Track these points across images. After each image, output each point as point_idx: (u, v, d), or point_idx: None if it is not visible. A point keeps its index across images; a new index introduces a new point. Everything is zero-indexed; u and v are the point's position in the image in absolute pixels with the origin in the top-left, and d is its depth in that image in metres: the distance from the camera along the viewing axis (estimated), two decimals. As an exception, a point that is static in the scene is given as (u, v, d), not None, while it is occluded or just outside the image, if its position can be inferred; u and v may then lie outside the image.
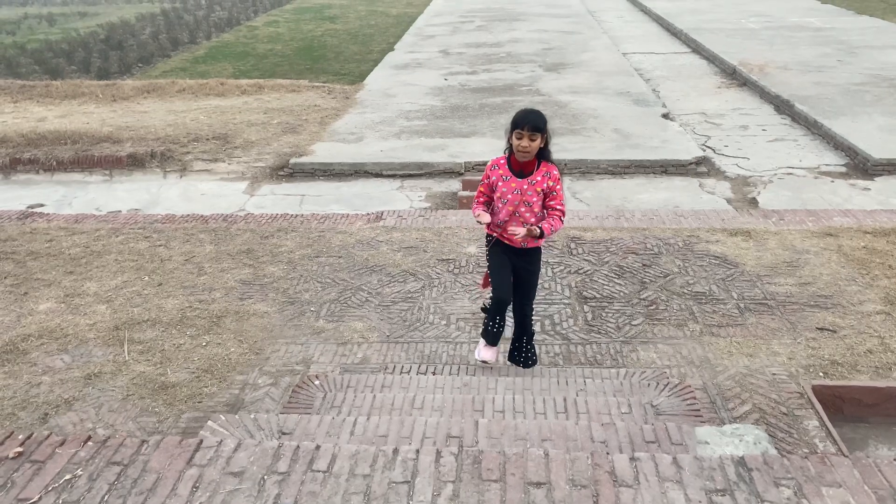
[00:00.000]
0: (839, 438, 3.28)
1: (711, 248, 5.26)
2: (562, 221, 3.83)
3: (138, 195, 7.30)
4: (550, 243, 5.41)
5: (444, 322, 4.43)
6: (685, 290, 4.68)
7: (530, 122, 3.60)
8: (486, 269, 4.03)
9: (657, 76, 11.77)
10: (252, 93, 10.85)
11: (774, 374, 3.76)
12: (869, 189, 6.86)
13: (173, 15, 20.36)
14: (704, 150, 8.00)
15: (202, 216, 6.21)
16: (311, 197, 7.21)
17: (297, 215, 6.25)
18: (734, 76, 11.49)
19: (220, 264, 5.22)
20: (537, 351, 4.07)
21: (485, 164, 7.69)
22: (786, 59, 11.76)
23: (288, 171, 7.80)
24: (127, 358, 4.10)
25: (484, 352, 3.97)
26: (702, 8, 17.81)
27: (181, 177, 7.80)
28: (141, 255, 5.39)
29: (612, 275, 4.91)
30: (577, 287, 4.77)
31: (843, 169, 7.38)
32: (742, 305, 4.46)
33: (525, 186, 3.72)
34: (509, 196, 3.72)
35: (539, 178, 3.73)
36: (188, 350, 4.17)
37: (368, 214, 6.21)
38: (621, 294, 4.66)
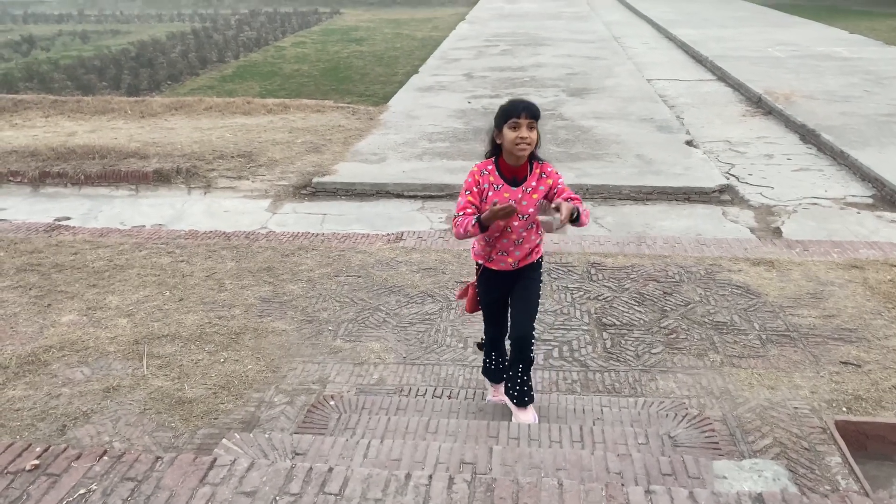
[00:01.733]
0: (862, 476, 3.19)
1: (734, 278, 5.20)
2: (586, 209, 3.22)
3: (163, 210, 7.39)
4: (571, 268, 5.38)
5: (460, 345, 4.41)
6: (706, 320, 4.63)
7: (527, 108, 3.06)
8: (466, 282, 3.67)
9: (681, 103, 11.74)
10: (277, 112, 10.99)
11: (796, 407, 3.69)
12: (896, 221, 6.76)
13: (203, 34, 20.74)
14: (728, 178, 7.95)
15: (224, 233, 6.27)
16: (332, 216, 7.26)
17: (317, 234, 6.30)
18: (759, 104, 11.43)
19: (241, 281, 5.26)
20: (553, 378, 4.01)
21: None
22: (812, 89, 11.69)
23: (311, 190, 7.87)
24: (145, 372, 4.13)
25: (493, 394, 3.71)
26: (727, 36, 17.78)
27: (205, 193, 7.89)
28: (163, 269, 5.45)
29: (633, 302, 4.87)
30: (596, 313, 4.73)
31: (870, 200, 7.29)
32: (764, 336, 4.40)
33: (520, 196, 3.15)
34: (496, 200, 3.09)
35: (535, 184, 3.17)
36: (206, 366, 4.19)
37: (388, 235, 6.23)
38: (641, 322, 4.61)
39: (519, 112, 3.06)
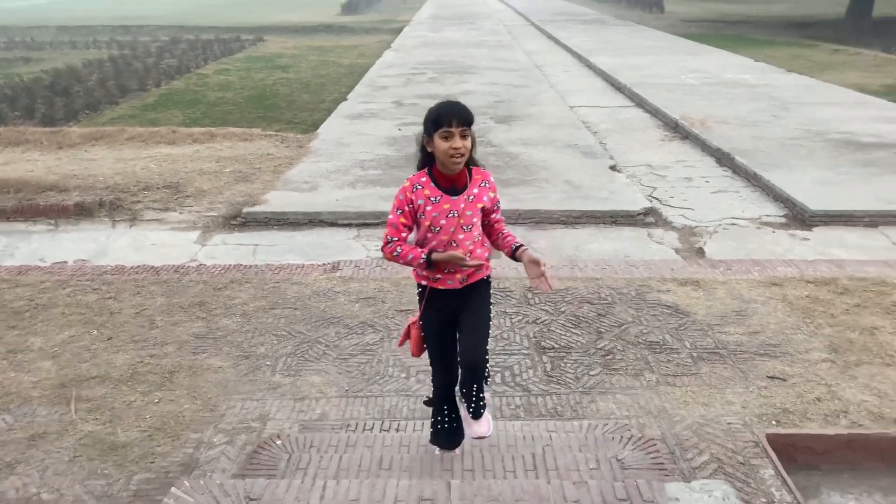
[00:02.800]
0: (794, 487, 3.35)
1: (663, 298, 5.39)
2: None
3: (85, 245, 7.10)
4: (508, 293, 5.46)
5: (403, 375, 4.40)
6: (640, 340, 4.77)
7: (459, 115, 2.78)
8: (407, 324, 3.30)
9: (603, 129, 12.14)
10: (204, 141, 10.76)
11: (730, 423, 3.84)
12: (808, 239, 7.15)
13: (122, 61, 20.16)
14: (651, 201, 8.25)
15: (153, 267, 6.08)
16: (264, 247, 7.14)
17: (251, 266, 6.18)
18: (676, 129, 11.94)
19: (173, 317, 5.10)
20: (497, 403, 4.00)
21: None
22: (724, 114, 12.30)
23: (241, 221, 7.72)
24: (74, 417, 3.94)
25: (445, 454, 3.29)
26: (642, 64, 18.53)
27: (131, 226, 7.63)
28: (89, 307, 5.23)
29: (569, 324, 4.98)
30: (535, 337, 4.81)
31: (783, 220, 7.70)
32: (695, 355, 4.57)
33: (462, 205, 2.91)
34: (443, 221, 2.90)
35: (476, 191, 2.95)
36: (139, 407, 4.04)
37: (325, 265, 6.17)
38: (579, 344, 4.72)
39: (450, 120, 2.78)
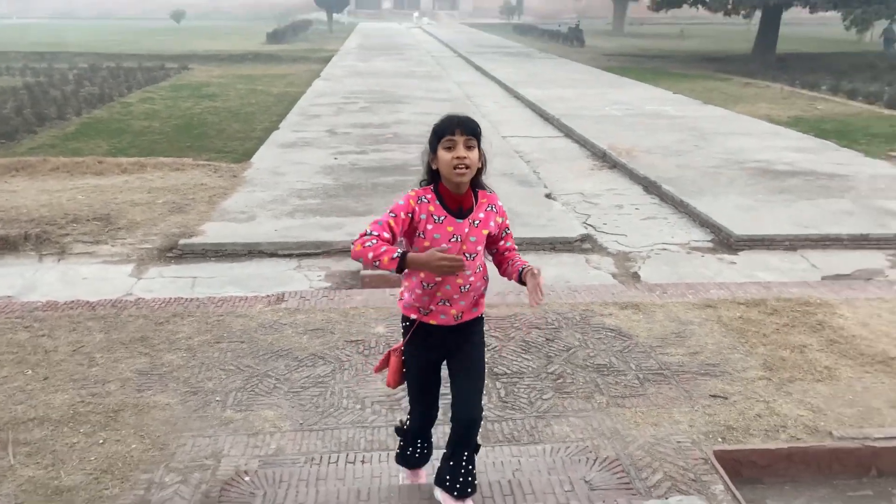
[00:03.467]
0: (743, 501, 3.50)
1: (606, 322, 5.56)
2: None
3: (11, 280, 6.77)
4: (456, 321, 5.51)
5: (358, 406, 4.38)
6: (588, 363, 4.90)
7: (463, 123, 2.61)
8: (390, 348, 3.07)
9: (536, 158, 12.46)
10: (133, 171, 10.46)
11: (679, 441, 3.99)
12: (735, 263, 7.52)
13: (38, 89, 19.40)
14: (587, 228, 8.50)
15: (88, 302, 5.85)
16: (203, 279, 6.98)
17: (192, 299, 6.03)
18: (605, 159, 12.37)
19: (113, 354, 4.92)
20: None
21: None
22: (649, 144, 12.83)
23: (177, 253, 7.53)
24: (12, 462, 3.75)
25: (410, 478, 3.17)
26: (569, 96, 19.15)
27: (59, 260, 7.32)
28: (21, 346, 4.99)
29: (520, 350, 5.07)
30: (488, 363, 4.87)
31: (711, 244, 8.07)
32: (641, 376, 4.72)
33: (467, 230, 2.67)
34: (446, 245, 2.65)
35: (483, 216, 2.74)
36: (83, 449, 3.87)
37: (269, 296, 6.08)
38: (530, 369, 4.81)
39: (453, 128, 2.59)
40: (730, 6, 28.26)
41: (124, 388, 4.49)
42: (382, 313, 5.63)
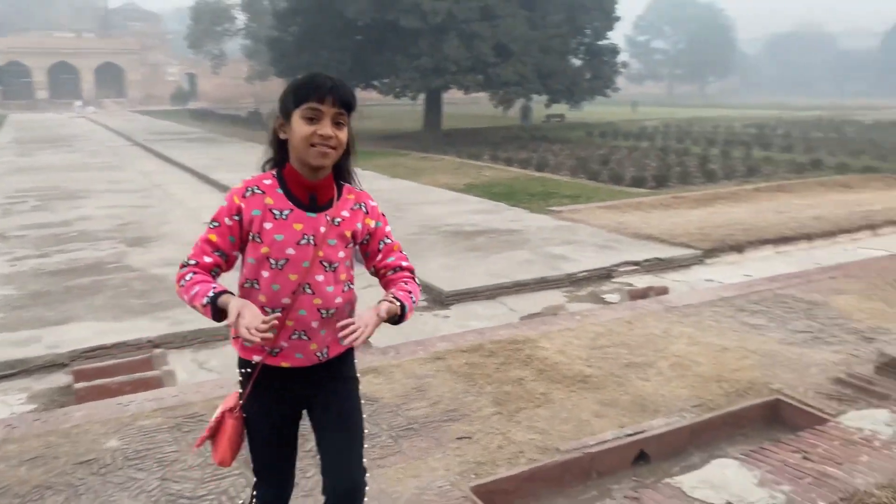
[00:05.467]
0: (506, 523, 3.91)
1: (350, 390, 5.75)
2: (418, 284, 2.24)
3: None
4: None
5: (107, 530, 3.95)
6: (342, 433, 5.02)
7: (335, 90, 1.93)
8: (222, 408, 2.30)
9: (244, 242, 12.35)
10: None
11: (440, 486, 4.31)
12: (448, 316, 8.29)
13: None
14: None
15: None
16: None
17: None
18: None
19: None
20: None
21: (95, 351, 7.02)
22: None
23: None
24: None
25: None
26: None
27: None
28: None
29: (273, 434, 5.00)
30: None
31: (426, 303, 8.78)
32: (394, 434, 4.99)
33: (324, 229, 2.05)
34: (290, 251, 2.02)
35: (346, 215, 2.10)
36: None
37: (-40, 433, 5.16)
38: (287, 451, 4.77)
39: (322, 94, 1.92)
40: (398, 90, 31.12)
41: None
42: (112, 425, 5.14)
